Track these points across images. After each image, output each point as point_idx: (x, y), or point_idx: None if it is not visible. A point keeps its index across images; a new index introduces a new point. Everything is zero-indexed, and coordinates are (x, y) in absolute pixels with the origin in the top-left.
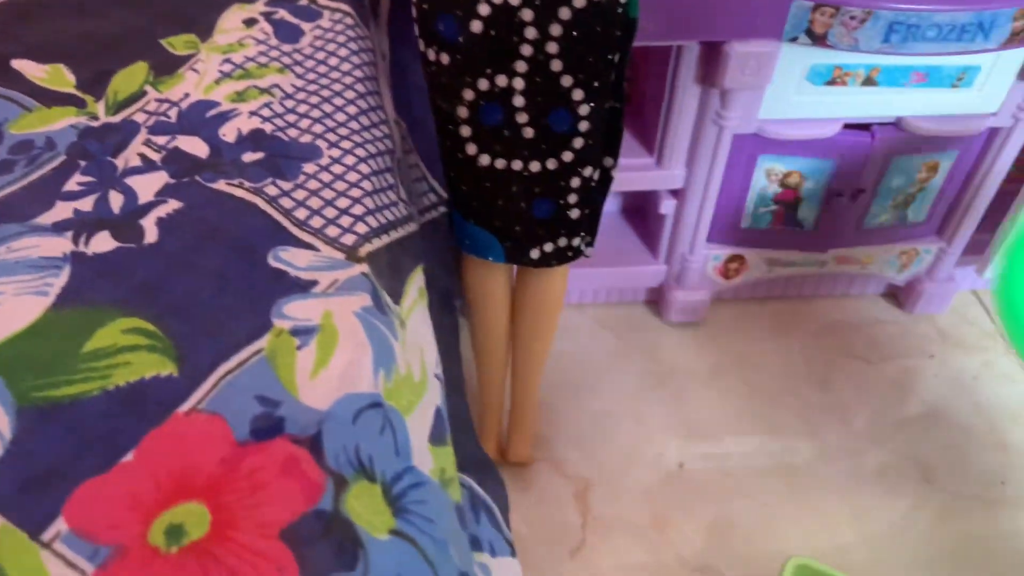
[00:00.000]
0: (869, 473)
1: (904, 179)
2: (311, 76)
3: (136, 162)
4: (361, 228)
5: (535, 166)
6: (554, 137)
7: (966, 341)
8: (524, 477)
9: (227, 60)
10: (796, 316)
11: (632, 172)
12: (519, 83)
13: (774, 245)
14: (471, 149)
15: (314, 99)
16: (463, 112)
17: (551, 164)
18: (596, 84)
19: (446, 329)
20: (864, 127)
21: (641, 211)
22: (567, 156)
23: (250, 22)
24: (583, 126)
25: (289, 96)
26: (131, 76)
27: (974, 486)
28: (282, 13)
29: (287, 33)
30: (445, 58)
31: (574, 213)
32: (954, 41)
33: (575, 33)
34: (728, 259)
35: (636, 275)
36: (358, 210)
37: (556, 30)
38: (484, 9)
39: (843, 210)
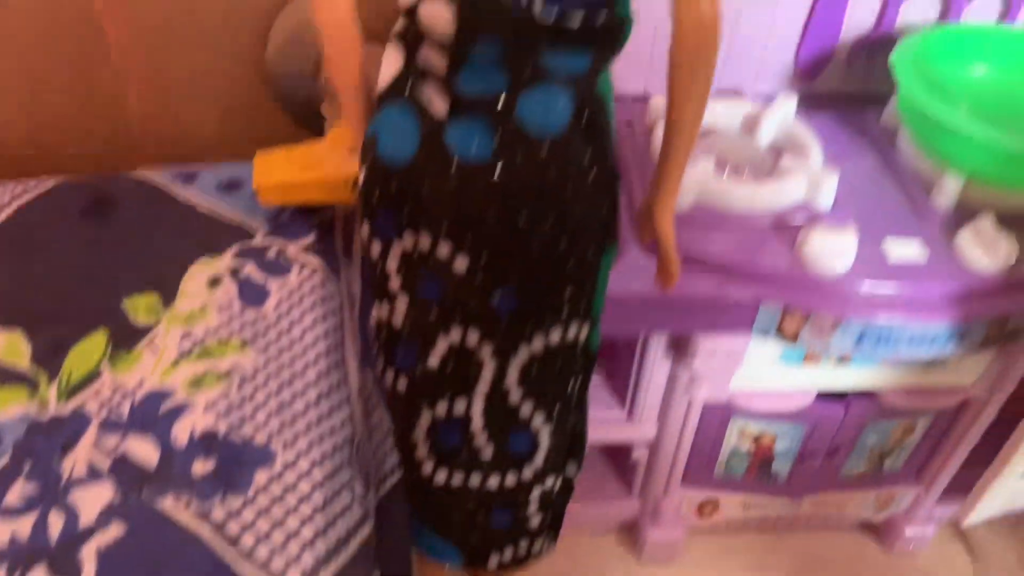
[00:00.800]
0: None
1: (879, 438)
2: (273, 351)
3: (82, 470)
4: (308, 559)
5: (493, 482)
6: (514, 456)
7: None
8: None
9: (187, 335)
10: (772, 551)
11: (603, 425)
12: (478, 409)
13: (748, 491)
14: (427, 468)
15: (273, 383)
16: (420, 435)
17: (510, 480)
18: (557, 408)
19: None
20: (838, 394)
21: (613, 446)
22: (527, 473)
23: (214, 282)
24: (544, 444)
25: (248, 380)
26: (87, 351)
27: None
28: (249, 268)
29: (252, 295)
30: (402, 384)
31: (534, 521)
32: (926, 347)
33: (534, 371)
34: (703, 501)
35: (608, 508)
36: (308, 532)
37: (515, 368)
38: (442, 347)
39: (818, 465)
